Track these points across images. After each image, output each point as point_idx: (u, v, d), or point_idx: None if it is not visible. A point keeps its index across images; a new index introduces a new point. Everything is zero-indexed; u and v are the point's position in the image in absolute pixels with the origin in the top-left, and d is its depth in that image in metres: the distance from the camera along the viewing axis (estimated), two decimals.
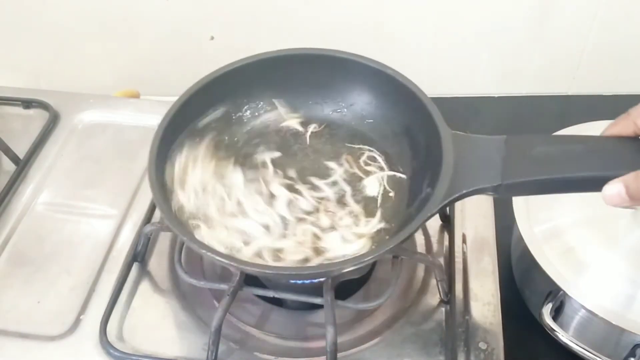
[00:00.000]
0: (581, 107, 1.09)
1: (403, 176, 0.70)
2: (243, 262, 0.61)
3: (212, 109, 0.73)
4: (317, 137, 0.75)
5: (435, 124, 0.64)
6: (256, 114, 0.75)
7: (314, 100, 0.76)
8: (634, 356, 0.68)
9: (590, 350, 0.68)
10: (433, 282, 0.71)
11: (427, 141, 0.67)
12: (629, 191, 0.53)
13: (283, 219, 0.66)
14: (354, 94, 0.75)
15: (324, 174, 0.71)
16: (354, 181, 0.70)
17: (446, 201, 0.59)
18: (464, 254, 0.74)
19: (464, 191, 0.59)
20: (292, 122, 0.76)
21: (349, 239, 0.65)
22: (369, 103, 0.74)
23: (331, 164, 0.72)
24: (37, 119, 0.89)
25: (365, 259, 0.59)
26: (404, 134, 0.72)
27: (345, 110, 0.76)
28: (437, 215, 0.76)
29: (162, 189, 0.63)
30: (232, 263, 0.59)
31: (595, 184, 0.55)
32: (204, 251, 0.59)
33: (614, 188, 0.53)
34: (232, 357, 0.65)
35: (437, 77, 1.11)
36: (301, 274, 0.62)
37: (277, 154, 0.73)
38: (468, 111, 1.11)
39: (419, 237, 0.76)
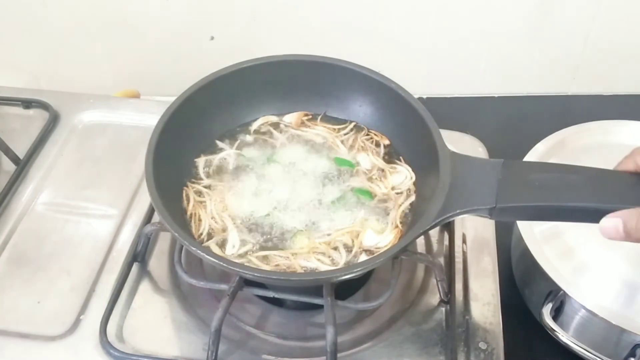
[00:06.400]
0: (581, 107, 1.09)
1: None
2: (239, 266, 0.61)
3: (212, 110, 0.73)
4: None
5: (434, 142, 0.65)
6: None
7: (313, 105, 0.76)
8: (634, 356, 0.68)
9: (590, 350, 0.68)
10: (433, 282, 0.71)
11: (425, 157, 0.67)
12: (626, 227, 0.53)
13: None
14: (355, 105, 0.75)
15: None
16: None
17: (439, 219, 0.60)
18: (464, 254, 0.74)
19: (458, 211, 0.60)
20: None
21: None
22: (369, 114, 0.75)
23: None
24: (37, 119, 0.89)
25: (356, 270, 0.60)
26: (402, 149, 0.73)
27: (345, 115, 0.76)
28: None
29: (160, 190, 0.63)
30: (229, 267, 0.59)
31: (589, 215, 0.56)
32: (202, 254, 0.59)
33: (611, 222, 0.54)
34: (232, 357, 0.65)
35: (437, 77, 1.11)
36: (295, 280, 0.62)
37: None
38: (468, 111, 1.11)
39: (419, 237, 0.76)
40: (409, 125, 0.70)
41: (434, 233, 0.76)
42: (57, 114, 0.90)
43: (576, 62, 1.09)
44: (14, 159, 0.83)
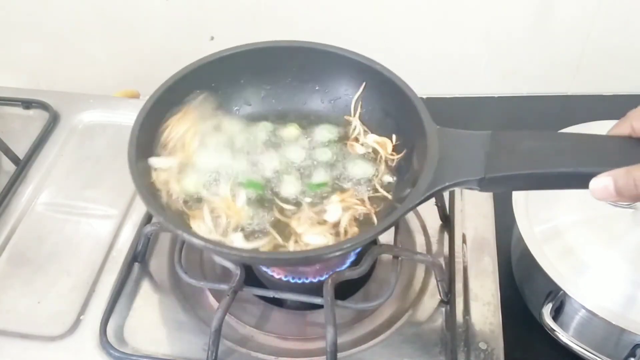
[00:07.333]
0: (581, 107, 1.09)
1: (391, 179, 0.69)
2: (235, 249, 0.60)
3: (193, 96, 0.71)
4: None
5: (421, 120, 0.64)
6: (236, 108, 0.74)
7: (299, 92, 0.75)
8: (634, 356, 0.68)
9: (590, 350, 0.68)
10: (433, 282, 0.71)
11: (412, 136, 0.66)
12: (617, 186, 0.52)
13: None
14: (340, 89, 0.74)
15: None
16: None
17: (428, 193, 0.59)
18: (464, 254, 0.74)
19: (447, 183, 0.59)
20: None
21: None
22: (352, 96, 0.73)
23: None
24: (37, 119, 0.89)
25: (345, 246, 0.59)
26: (390, 129, 0.71)
27: (331, 104, 0.75)
28: (437, 216, 0.77)
29: (147, 185, 0.61)
30: (225, 250, 0.59)
31: (581, 180, 0.54)
32: (198, 241, 0.58)
33: (602, 182, 0.52)
34: (232, 357, 0.65)
35: (437, 77, 1.11)
36: (279, 259, 0.62)
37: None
38: (468, 111, 1.11)
39: (419, 237, 0.76)
40: (395, 106, 0.69)
41: (433, 233, 0.77)
42: (57, 114, 0.90)
43: (576, 62, 1.09)
44: (14, 159, 0.83)
